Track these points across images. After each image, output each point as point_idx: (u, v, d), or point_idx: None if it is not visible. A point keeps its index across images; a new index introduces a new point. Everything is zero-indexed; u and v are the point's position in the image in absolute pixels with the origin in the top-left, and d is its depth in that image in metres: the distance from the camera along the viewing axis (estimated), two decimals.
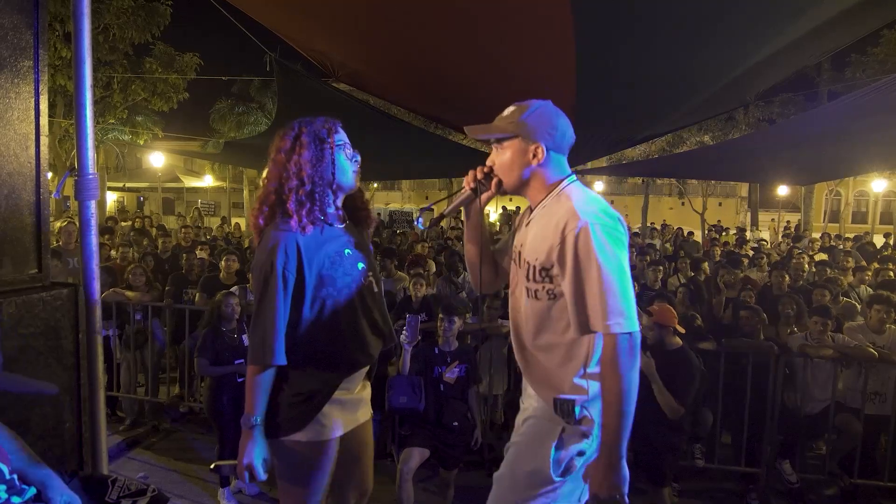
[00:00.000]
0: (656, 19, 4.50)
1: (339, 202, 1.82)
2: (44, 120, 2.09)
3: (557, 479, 1.58)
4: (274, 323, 1.65)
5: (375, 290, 1.86)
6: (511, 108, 1.66)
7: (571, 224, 1.49)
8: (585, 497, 1.59)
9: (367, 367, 1.88)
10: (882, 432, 4.01)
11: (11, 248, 2.03)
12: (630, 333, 1.44)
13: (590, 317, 1.46)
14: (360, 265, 1.81)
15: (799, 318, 4.55)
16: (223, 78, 16.96)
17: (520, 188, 1.68)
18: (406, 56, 6.03)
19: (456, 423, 3.44)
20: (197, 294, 5.14)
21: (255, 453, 1.67)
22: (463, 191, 1.75)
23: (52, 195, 2.22)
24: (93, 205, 2.19)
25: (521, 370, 1.75)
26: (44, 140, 2.09)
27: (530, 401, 1.75)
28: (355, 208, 1.90)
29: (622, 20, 4.56)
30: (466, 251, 1.88)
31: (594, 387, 1.56)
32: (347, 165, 1.78)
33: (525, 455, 1.66)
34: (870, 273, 6.85)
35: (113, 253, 6.48)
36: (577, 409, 1.55)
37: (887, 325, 4.15)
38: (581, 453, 1.59)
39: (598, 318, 1.44)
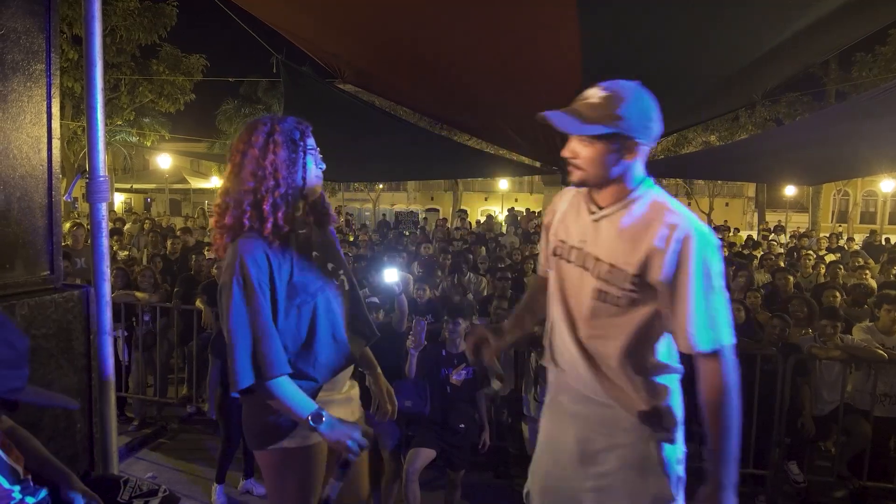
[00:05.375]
0: (661, 11, 4.50)
1: (305, 206, 1.78)
2: (55, 123, 2.11)
3: (677, 495, 1.58)
4: (271, 334, 1.58)
5: (347, 287, 1.82)
6: (601, 94, 1.41)
7: (679, 234, 1.38)
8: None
9: (351, 368, 1.85)
10: (893, 434, 3.98)
11: (24, 251, 2.05)
12: (729, 346, 1.43)
13: (696, 330, 1.40)
14: (330, 265, 1.78)
15: (810, 321, 4.48)
16: (229, 79, 17.06)
17: (604, 185, 1.50)
18: (412, 55, 6.04)
19: (462, 425, 3.44)
20: (198, 298, 5.04)
21: (344, 427, 1.61)
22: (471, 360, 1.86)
23: (64, 197, 2.24)
24: (104, 207, 2.22)
25: (569, 371, 1.61)
26: (55, 143, 2.11)
27: (579, 422, 1.61)
28: (317, 211, 1.85)
29: (627, 12, 4.55)
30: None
31: (672, 385, 1.56)
32: (315, 171, 1.75)
33: (636, 491, 1.56)
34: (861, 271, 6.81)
35: (123, 254, 6.51)
36: (674, 415, 1.54)
37: None
38: (680, 461, 1.58)
39: (703, 333, 1.40)
